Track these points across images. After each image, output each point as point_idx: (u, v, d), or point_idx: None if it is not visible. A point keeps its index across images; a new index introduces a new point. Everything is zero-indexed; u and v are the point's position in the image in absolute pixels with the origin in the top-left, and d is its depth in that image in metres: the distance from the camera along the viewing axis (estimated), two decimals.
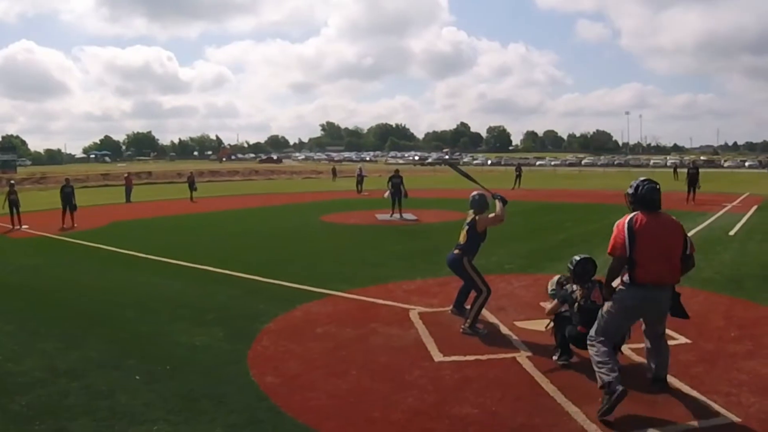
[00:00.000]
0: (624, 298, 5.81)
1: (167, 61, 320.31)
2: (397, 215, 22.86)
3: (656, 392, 6.01)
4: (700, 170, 29.79)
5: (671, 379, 6.27)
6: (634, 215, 5.77)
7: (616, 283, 5.95)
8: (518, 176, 42.91)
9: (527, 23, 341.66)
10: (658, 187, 5.86)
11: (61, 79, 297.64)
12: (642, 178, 6.00)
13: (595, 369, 5.77)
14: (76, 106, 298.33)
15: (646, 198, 5.81)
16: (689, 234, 6.06)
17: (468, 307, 8.47)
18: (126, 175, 39.90)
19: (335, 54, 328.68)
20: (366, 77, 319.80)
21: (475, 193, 8.63)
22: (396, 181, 23.46)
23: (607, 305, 5.97)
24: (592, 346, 5.93)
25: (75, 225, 21.44)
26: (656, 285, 5.70)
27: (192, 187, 34.98)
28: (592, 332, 6.04)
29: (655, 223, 5.71)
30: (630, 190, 5.92)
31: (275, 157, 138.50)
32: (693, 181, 27.80)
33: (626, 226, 5.71)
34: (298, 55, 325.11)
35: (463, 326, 8.12)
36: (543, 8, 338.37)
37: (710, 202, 26.83)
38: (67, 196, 22.25)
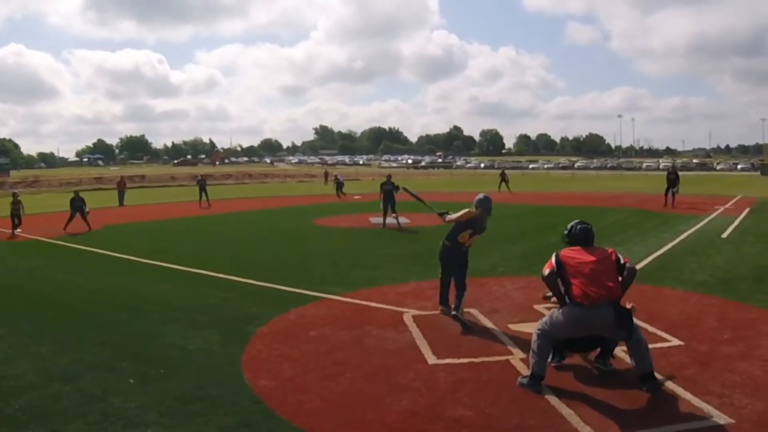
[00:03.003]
0: (566, 312, 6.32)
1: (158, 64, 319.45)
2: (392, 220, 21.55)
3: (649, 391, 6.04)
4: (680, 174, 29.49)
5: (663, 380, 6.29)
6: (563, 249, 6.66)
7: None
8: (504, 181, 42.48)
9: (517, 26, 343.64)
10: (589, 227, 6.76)
11: (51, 82, 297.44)
12: (576, 221, 6.85)
13: (531, 354, 6.43)
14: (66, 110, 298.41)
15: (579, 237, 6.68)
16: (683, 236, 6.16)
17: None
18: (119, 178, 39.85)
19: (325, 57, 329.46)
20: (357, 80, 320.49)
21: (481, 194, 9.18)
22: (388, 188, 21.93)
23: (559, 311, 6.44)
24: (538, 336, 6.44)
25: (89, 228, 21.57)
26: (592, 305, 6.12)
27: (203, 189, 34.11)
28: (541, 324, 6.55)
29: (581, 251, 6.51)
30: (566, 231, 6.84)
31: (189, 157, 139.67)
32: (672, 184, 27.58)
33: (554, 256, 6.58)
34: (288, 58, 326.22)
35: (455, 312, 8.51)
36: (531, 11, 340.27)
37: (702, 205, 26.90)
38: (79, 208, 22.18)
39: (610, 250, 6.56)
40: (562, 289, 6.43)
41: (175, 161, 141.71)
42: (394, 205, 21.85)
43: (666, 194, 27.56)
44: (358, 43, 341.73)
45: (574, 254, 6.48)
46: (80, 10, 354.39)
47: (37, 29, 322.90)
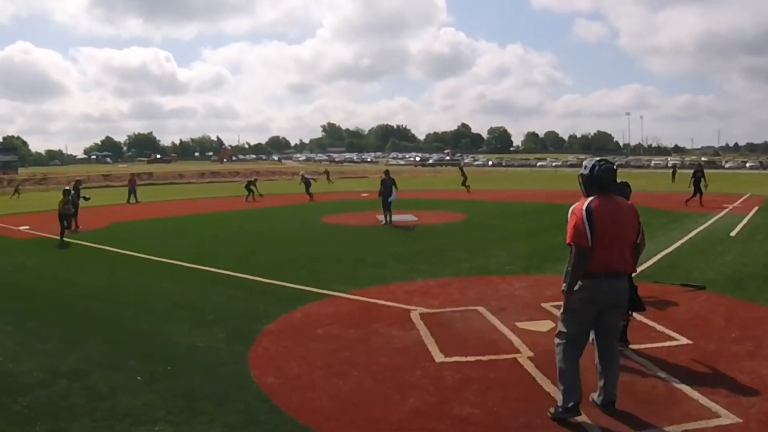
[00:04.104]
0: (577, 292, 5.33)
1: (165, 62, 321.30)
2: (395, 217, 21.66)
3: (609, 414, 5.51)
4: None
5: (671, 379, 6.27)
6: (591, 200, 5.31)
7: None
8: (463, 178, 38.71)
9: (524, 24, 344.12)
10: (615, 167, 5.48)
11: (59, 80, 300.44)
12: (598, 158, 5.57)
13: (557, 373, 5.54)
14: (74, 107, 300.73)
15: (603, 180, 5.36)
16: (691, 234, 6.00)
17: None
18: (129, 176, 39.87)
19: (332, 55, 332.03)
20: (364, 78, 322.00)
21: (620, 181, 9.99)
22: (387, 184, 21.64)
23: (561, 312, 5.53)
24: (557, 346, 5.53)
25: (79, 227, 21.22)
26: (610, 275, 5.26)
27: (249, 188, 34.77)
28: (556, 341, 5.57)
29: (612, 207, 5.30)
30: (585, 171, 5.46)
31: (158, 156, 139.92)
32: (699, 182, 27.04)
33: (584, 212, 5.24)
34: (295, 56, 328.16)
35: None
36: (539, 8, 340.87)
37: (711, 203, 26.76)
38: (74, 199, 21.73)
39: (633, 208, 5.49)
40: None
41: (147, 159, 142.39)
42: (390, 202, 21.61)
43: (695, 194, 26.90)
44: (365, 41, 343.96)
45: (604, 209, 5.25)
46: (86, 8, 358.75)
47: (44, 27, 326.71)
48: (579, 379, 5.41)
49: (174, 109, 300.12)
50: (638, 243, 5.46)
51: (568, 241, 5.32)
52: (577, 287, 5.30)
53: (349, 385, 6.42)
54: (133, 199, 34.73)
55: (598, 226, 5.16)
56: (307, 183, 36.74)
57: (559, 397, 5.49)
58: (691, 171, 29.59)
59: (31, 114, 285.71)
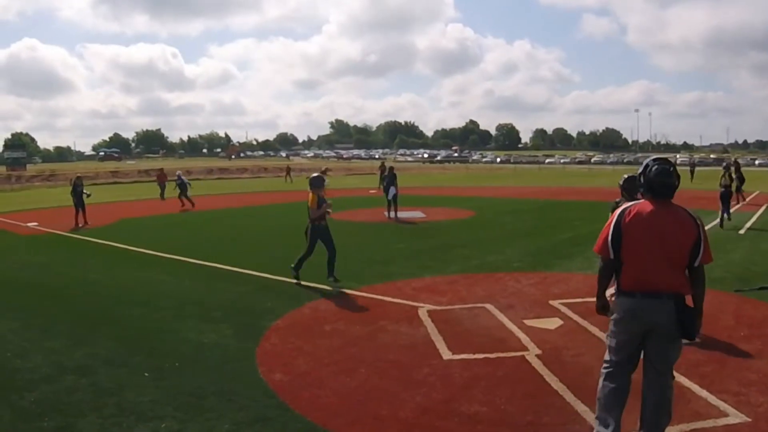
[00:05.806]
0: (614, 311, 4.73)
1: (172, 58, 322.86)
2: (402, 213, 22.04)
3: None
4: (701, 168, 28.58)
5: (680, 378, 6.22)
6: (632, 205, 4.69)
7: (609, 292, 4.91)
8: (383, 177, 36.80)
9: (531, 20, 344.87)
10: (672, 169, 4.64)
11: (66, 76, 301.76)
12: (654, 157, 4.83)
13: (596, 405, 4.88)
14: (81, 104, 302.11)
15: (654, 182, 4.61)
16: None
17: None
18: (159, 171, 39.15)
19: (339, 51, 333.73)
20: (371, 74, 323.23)
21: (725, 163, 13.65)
22: (389, 179, 22.13)
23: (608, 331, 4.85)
24: (600, 376, 4.89)
25: (87, 223, 21.28)
26: (646, 294, 4.52)
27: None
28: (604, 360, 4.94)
29: (656, 214, 4.54)
30: (639, 169, 4.81)
31: (116, 155, 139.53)
32: (741, 180, 26.80)
33: (615, 218, 4.66)
34: (302, 52, 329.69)
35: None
36: (545, 4, 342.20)
37: (719, 201, 26.56)
38: (79, 195, 21.94)
39: (692, 221, 4.55)
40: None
41: (101, 154, 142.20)
42: (395, 197, 22.03)
43: (738, 192, 25.86)
44: (372, 37, 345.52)
45: (644, 216, 4.55)
46: (92, 4, 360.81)
47: (50, 24, 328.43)
48: (618, 420, 4.74)
49: (181, 106, 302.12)
50: (696, 266, 4.57)
51: (594, 248, 4.83)
52: (615, 306, 4.72)
53: (356, 382, 6.42)
54: (163, 195, 34.12)
55: (632, 235, 4.55)
56: (182, 186, 29.24)
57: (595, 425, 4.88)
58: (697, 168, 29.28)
59: (39, 110, 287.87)
